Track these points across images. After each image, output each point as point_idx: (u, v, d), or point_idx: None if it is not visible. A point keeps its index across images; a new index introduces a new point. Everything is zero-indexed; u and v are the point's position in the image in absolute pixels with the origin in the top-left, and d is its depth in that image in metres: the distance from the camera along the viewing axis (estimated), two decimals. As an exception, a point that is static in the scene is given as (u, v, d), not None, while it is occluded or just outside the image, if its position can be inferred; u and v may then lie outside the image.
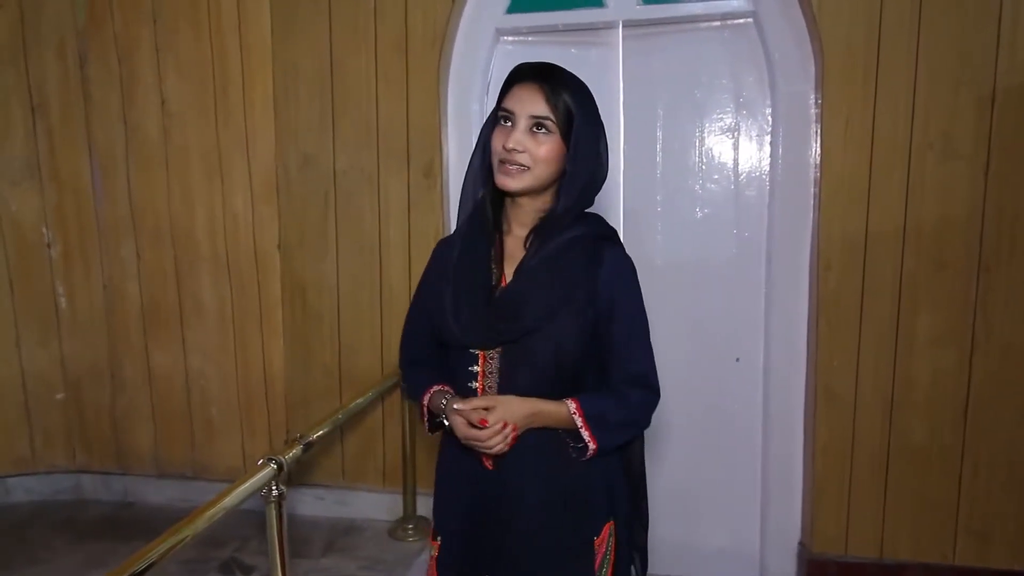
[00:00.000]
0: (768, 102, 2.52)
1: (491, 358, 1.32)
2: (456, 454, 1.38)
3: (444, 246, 1.44)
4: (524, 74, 1.30)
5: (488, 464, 1.34)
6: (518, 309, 1.29)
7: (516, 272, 1.33)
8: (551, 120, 1.27)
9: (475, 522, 1.36)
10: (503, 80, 1.34)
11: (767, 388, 2.59)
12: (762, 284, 2.57)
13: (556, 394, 1.31)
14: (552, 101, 1.27)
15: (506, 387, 1.30)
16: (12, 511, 3.07)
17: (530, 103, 1.27)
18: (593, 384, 1.35)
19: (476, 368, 1.32)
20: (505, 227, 1.39)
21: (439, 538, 1.44)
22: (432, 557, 1.45)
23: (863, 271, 2.36)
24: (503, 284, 1.34)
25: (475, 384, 1.32)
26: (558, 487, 1.33)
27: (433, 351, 1.44)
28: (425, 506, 2.69)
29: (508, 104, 1.30)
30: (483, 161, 1.36)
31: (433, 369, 1.44)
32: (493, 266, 1.35)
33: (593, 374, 1.35)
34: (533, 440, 1.30)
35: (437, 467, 1.48)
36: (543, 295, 1.29)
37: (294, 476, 2.91)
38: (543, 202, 1.35)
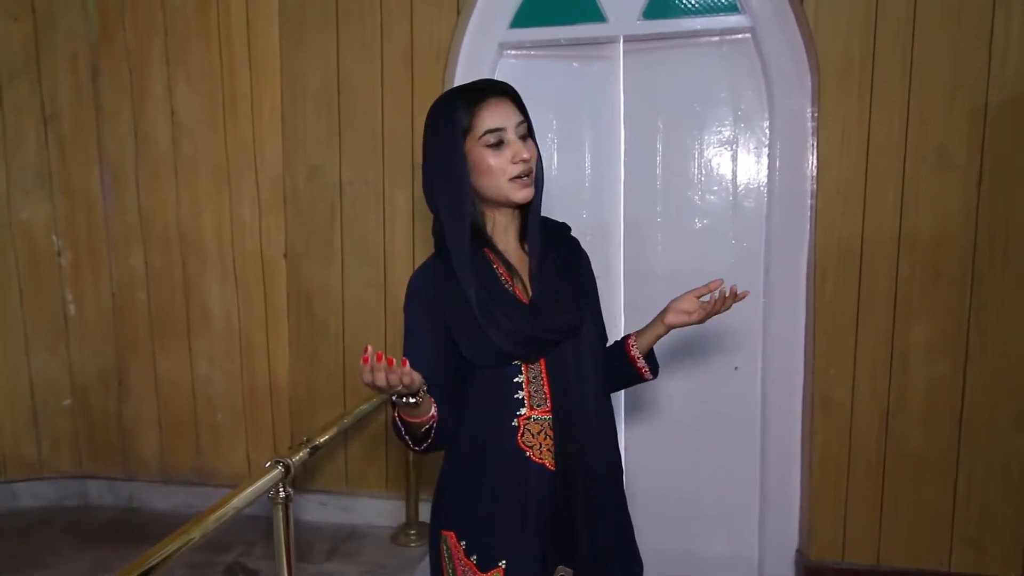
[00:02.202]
0: (766, 115, 2.56)
1: (533, 365, 1.36)
2: (513, 473, 1.34)
3: (433, 275, 1.37)
4: (488, 91, 1.32)
5: (550, 464, 1.35)
6: (558, 313, 1.34)
7: (537, 279, 1.37)
8: (528, 123, 1.35)
9: (543, 525, 1.35)
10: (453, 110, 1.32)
11: (765, 396, 2.62)
12: (760, 294, 2.60)
13: (600, 375, 1.42)
14: (521, 105, 1.34)
15: (557, 387, 1.35)
16: (19, 516, 3.10)
17: (512, 114, 1.32)
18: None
19: (521, 378, 1.35)
20: (493, 240, 1.40)
21: (502, 563, 1.34)
22: None
23: (859, 281, 2.40)
24: (516, 292, 1.36)
25: (521, 394, 1.35)
26: (606, 453, 1.41)
27: (434, 381, 1.39)
28: (428, 512, 2.70)
29: (493, 123, 1.29)
30: (463, 188, 1.32)
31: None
32: (505, 280, 1.37)
33: None
34: (596, 422, 1.38)
35: (471, 499, 1.39)
36: (572, 294, 1.38)
37: (298, 481, 2.94)
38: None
